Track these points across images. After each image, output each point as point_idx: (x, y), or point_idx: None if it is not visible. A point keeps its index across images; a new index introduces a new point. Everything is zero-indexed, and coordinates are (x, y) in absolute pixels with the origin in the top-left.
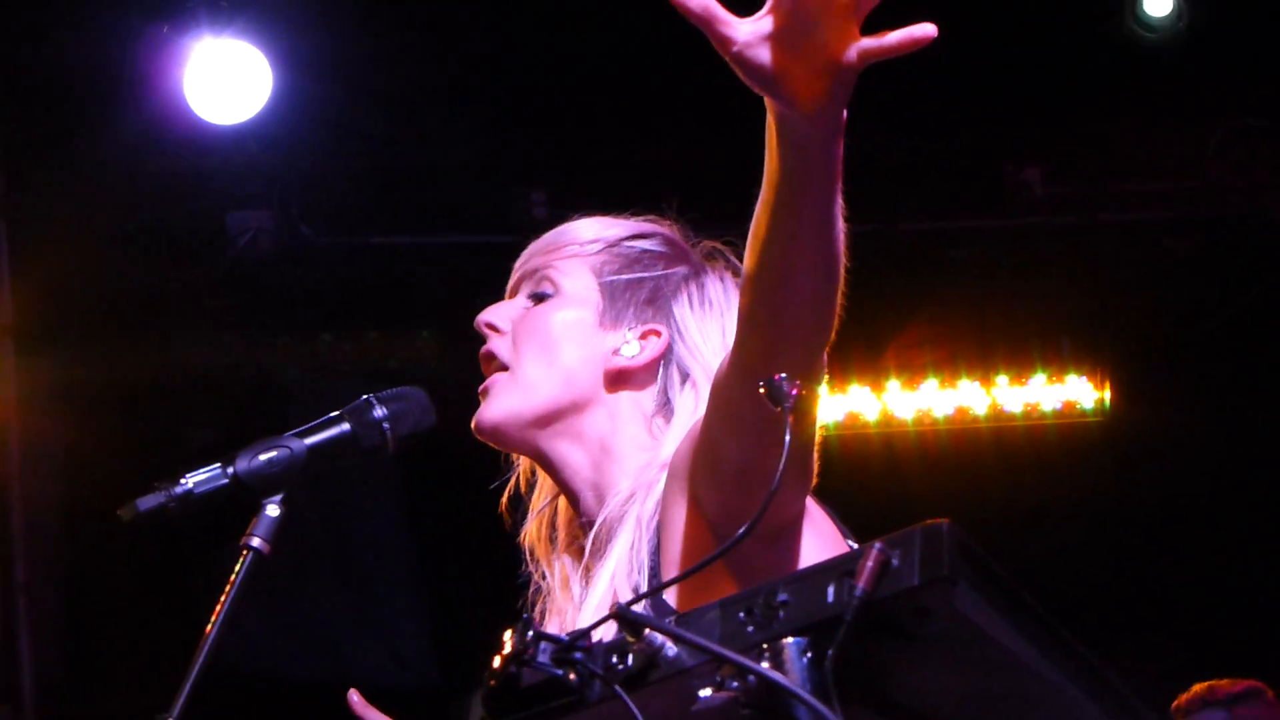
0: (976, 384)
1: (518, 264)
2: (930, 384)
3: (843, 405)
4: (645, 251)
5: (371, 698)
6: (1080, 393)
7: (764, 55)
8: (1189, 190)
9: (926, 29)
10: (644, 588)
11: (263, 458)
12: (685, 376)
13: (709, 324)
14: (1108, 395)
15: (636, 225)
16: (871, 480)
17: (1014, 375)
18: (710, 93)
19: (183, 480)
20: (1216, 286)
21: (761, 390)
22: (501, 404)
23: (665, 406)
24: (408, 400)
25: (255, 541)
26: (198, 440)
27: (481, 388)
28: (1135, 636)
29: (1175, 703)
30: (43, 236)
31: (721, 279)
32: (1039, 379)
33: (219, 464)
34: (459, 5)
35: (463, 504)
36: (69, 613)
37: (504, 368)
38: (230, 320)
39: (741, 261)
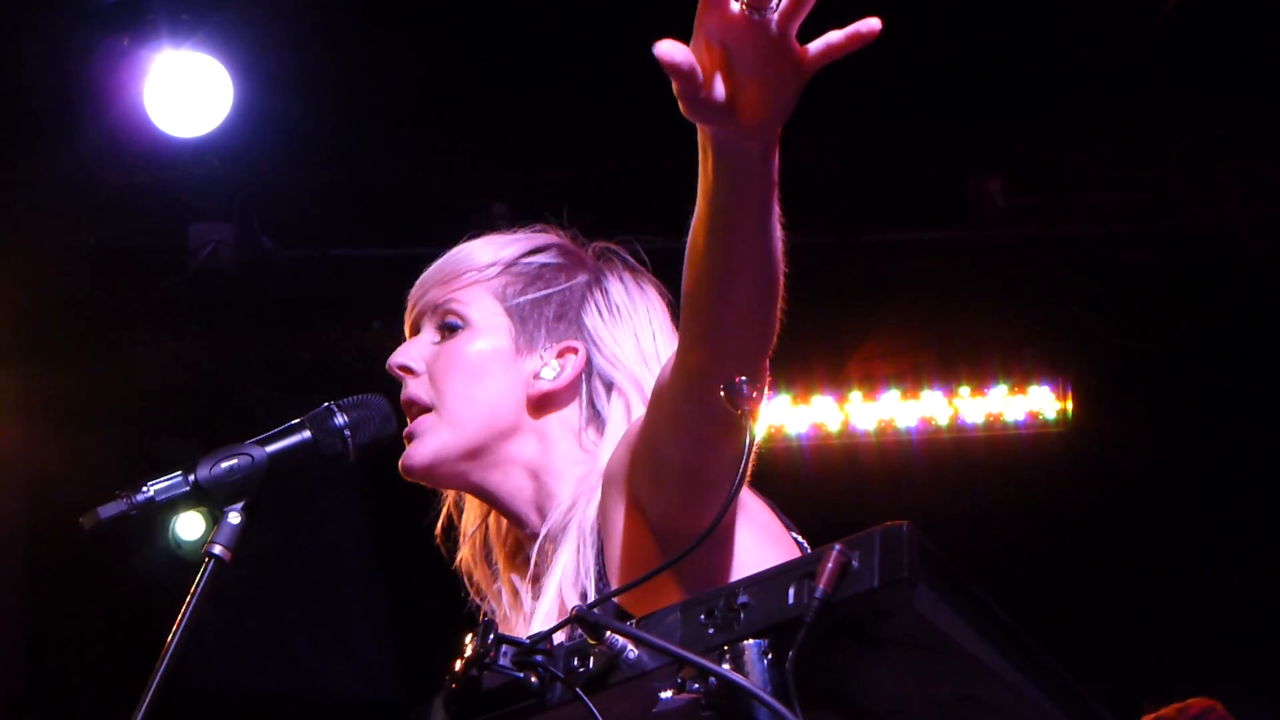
0: (939, 394)
1: (412, 297)
2: (892, 394)
3: (805, 416)
4: (544, 266)
5: (332, 711)
6: (1042, 403)
7: (717, 92)
8: (1151, 202)
9: (871, 24)
10: (591, 593)
11: (224, 465)
12: (609, 386)
13: (621, 330)
14: (1069, 406)
15: (529, 240)
16: (835, 491)
17: (975, 386)
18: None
19: (144, 488)
20: (1178, 298)
21: (722, 394)
22: (428, 445)
23: (595, 418)
24: (368, 408)
25: (216, 549)
26: (165, 453)
27: (406, 431)
28: (1095, 648)
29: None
30: (2, 251)
31: (622, 280)
32: (1001, 389)
33: (180, 472)
34: (420, 18)
35: (424, 514)
36: (32, 629)
37: (425, 409)
38: (192, 333)
39: (632, 259)
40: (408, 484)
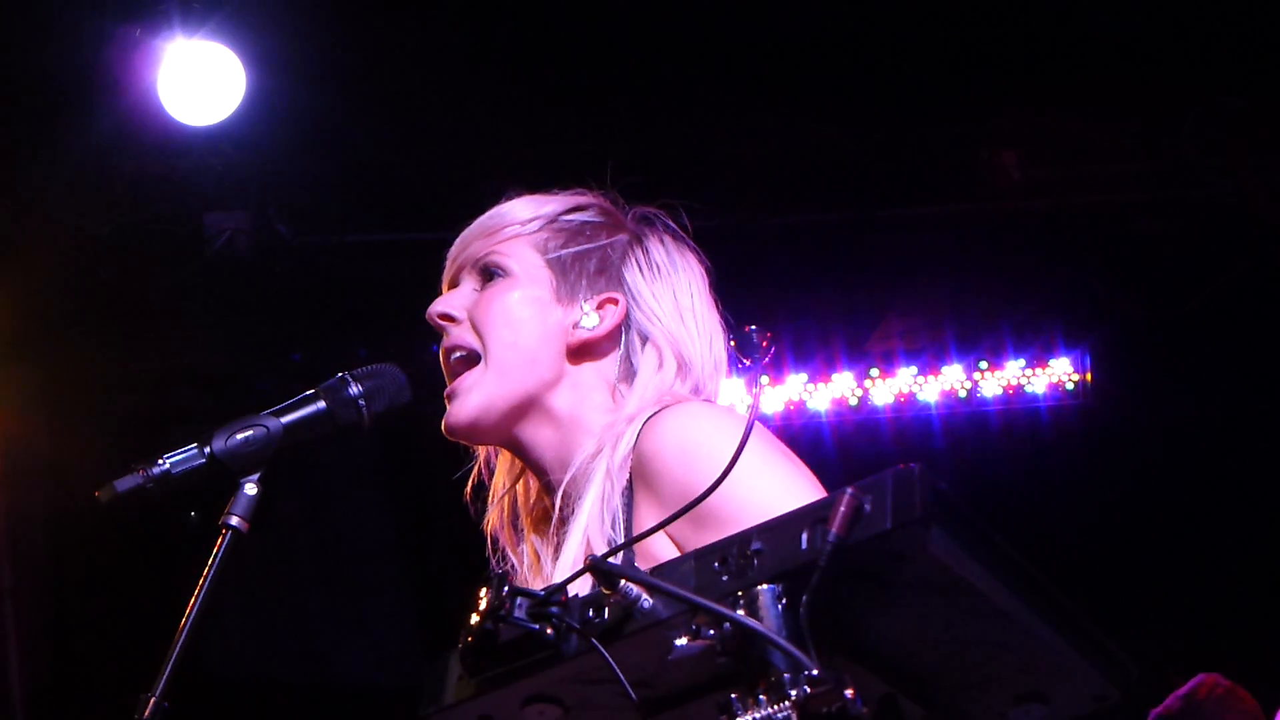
0: (957, 368)
1: (452, 253)
2: (912, 370)
3: (826, 392)
4: (586, 223)
5: (354, 696)
6: (1060, 375)
7: None
8: (1166, 171)
9: None
10: (617, 537)
11: (239, 436)
12: (645, 339)
13: (660, 287)
14: (1089, 377)
15: (570, 199)
16: (856, 466)
17: (994, 360)
18: (680, 89)
19: (160, 461)
20: (1196, 267)
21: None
22: (474, 398)
23: (630, 372)
24: (383, 377)
25: (234, 520)
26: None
27: (448, 391)
28: (1118, 619)
29: (1155, 711)
30: (18, 241)
31: (662, 241)
32: (1019, 362)
33: (195, 444)
34: (432, 4)
35: (447, 498)
36: (56, 617)
37: (469, 357)
38: (209, 320)
39: (674, 225)
40: (430, 467)
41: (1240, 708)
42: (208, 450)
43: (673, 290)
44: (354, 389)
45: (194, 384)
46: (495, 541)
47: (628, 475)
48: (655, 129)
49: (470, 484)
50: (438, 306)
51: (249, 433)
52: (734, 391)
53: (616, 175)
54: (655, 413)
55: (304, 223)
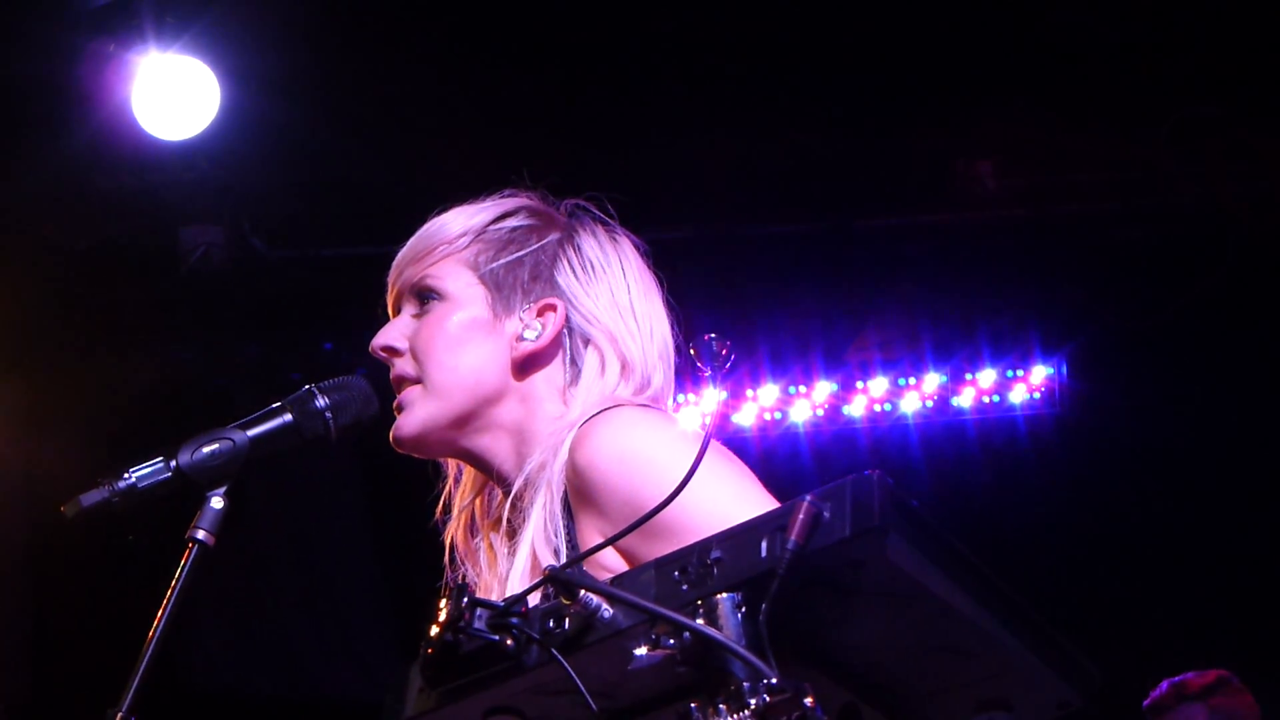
0: (935, 378)
1: (390, 278)
2: (890, 380)
3: (804, 403)
4: (514, 230)
5: (333, 709)
6: (1035, 384)
7: None
8: (1142, 180)
9: None
10: (562, 547)
11: (205, 450)
12: (587, 341)
13: (595, 285)
14: (1062, 386)
15: (499, 205)
16: (834, 477)
17: (969, 367)
18: (654, 100)
19: (126, 475)
20: (1172, 276)
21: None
22: (416, 415)
23: (577, 375)
24: (349, 390)
25: (200, 534)
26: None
27: (395, 403)
28: (1096, 629)
29: (1147, 701)
30: None
31: (594, 234)
32: (993, 371)
33: (161, 458)
34: (406, 19)
35: (426, 511)
36: (35, 636)
37: (415, 384)
38: (186, 335)
39: (605, 215)
40: (409, 481)
41: (1235, 696)
42: (174, 464)
43: (609, 286)
44: (320, 401)
45: (171, 398)
46: (454, 548)
47: (565, 485)
48: (630, 140)
49: (443, 499)
50: (379, 339)
51: (215, 446)
52: (692, 397)
53: (592, 188)
54: (590, 418)
55: (279, 237)
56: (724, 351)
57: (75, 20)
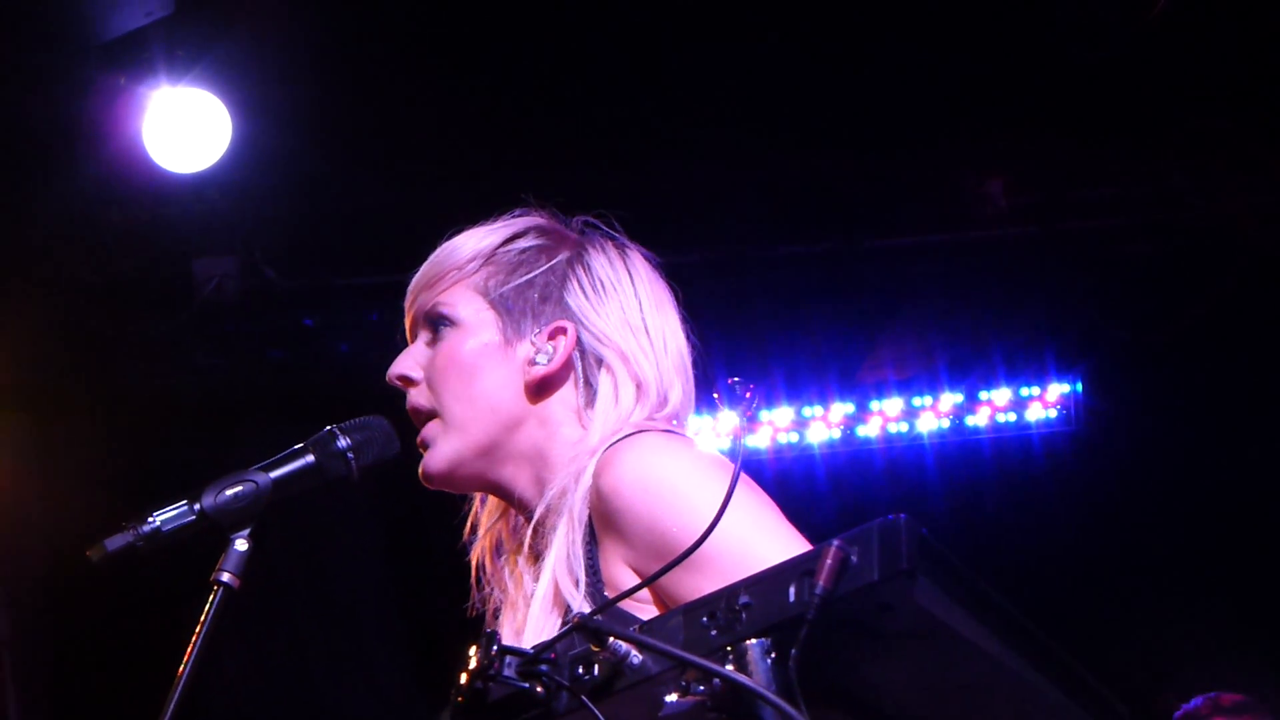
0: (950, 397)
1: (406, 305)
2: (904, 399)
3: (819, 425)
4: (524, 251)
5: None
6: (1049, 401)
7: None
8: (1152, 195)
9: None
10: (582, 574)
11: (229, 492)
12: (600, 361)
13: (607, 305)
14: (1079, 404)
15: (508, 227)
16: (850, 497)
17: (983, 386)
18: (666, 123)
19: (150, 519)
20: (1184, 290)
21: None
22: (441, 452)
23: (593, 396)
24: (371, 430)
25: (225, 576)
26: (174, 486)
27: (419, 440)
28: (1112, 647)
29: (1179, 713)
30: (8, 292)
31: (605, 251)
32: (1008, 389)
33: (185, 501)
34: (414, 49)
35: (443, 540)
36: (55, 669)
37: (433, 416)
38: (200, 365)
39: (616, 230)
40: (426, 509)
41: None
42: (198, 507)
43: (619, 304)
44: (342, 442)
45: (187, 429)
46: (481, 568)
47: (589, 511)
48: (643, 164)
49: (468, 528)
50: (394, 369)
51: (238, 488)
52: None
53: (606, 211)
54: (613, 444)
55: (292, 268)
56: (748, 395)
57: (86, 54)
